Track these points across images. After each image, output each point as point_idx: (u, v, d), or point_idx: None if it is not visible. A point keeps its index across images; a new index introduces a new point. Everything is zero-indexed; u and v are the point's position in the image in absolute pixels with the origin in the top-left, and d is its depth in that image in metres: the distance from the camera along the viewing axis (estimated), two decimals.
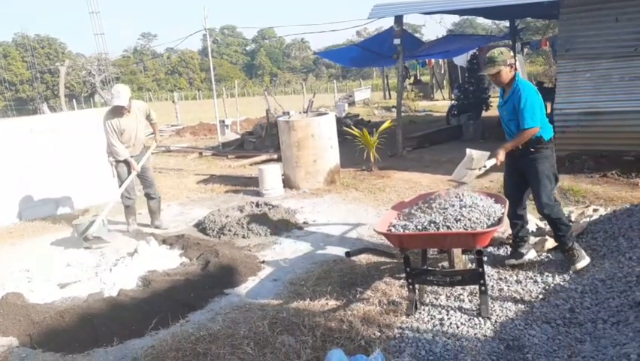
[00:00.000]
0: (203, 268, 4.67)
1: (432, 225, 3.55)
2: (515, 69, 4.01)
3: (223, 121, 15.03)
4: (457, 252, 3.80)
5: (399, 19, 9.78)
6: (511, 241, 4.44)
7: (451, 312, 3.55)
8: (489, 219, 3.54)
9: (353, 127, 9.81)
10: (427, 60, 21.78)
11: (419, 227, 3.58)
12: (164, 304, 4.03)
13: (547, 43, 16.04)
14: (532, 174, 4.00)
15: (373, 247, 4.93)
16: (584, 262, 3.98)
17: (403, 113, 11.35)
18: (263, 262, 4.97)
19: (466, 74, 14.50)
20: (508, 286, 3.90)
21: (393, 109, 16.84)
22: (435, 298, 3.79)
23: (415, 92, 22.83)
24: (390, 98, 25.97)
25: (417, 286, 3.66)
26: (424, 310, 3.62)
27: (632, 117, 7.10)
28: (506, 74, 3.96)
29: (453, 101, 13.71)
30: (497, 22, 21.24)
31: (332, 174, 7.92)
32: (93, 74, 33.53)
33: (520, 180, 4.13)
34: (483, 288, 3.46)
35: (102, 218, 5.77)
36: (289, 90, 47.09)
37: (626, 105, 7.16)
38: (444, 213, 3.66)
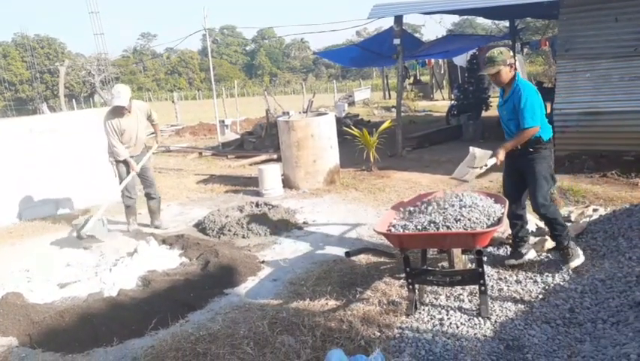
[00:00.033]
0: (203, 268, 4.67)
1: (432, 225, 3.55)
2: (515, 69, 4.02)
3: (223, 121, 15.03)
4: (456, 252, 3.80)
5: (398, 19, 9.78)
6: (510, 241, 4.45)
7: (451, 312, 3.55)
8: (489, 220, 3.54)
9: (353, 127, 9.81)
10: (426, 60, 21.79)
11: (419, 227, 3.58)
12: (163, 304, 4.03)
13: (547, 43, 16.05)
14: (529, 173, 4.01)
15: (373, 247, 4.94)
16: (578, 260, 4.00)
17: (402, 113, 11.34)
18: (263, 262, 4.97)
19: (466, 74, 14.49)
20: (508, 286, 3.90)
21: (393, 109, 16.85)
22: (435, 298, 3.79)
23: (414, 92, 22.82)
24: (389, 98, 25.97)
25: (417, 286, 3.66)
26: (423, 310, 3.62)
27: (632, 117, 7.10)
28: (506, 73, 3.96)
29: (453, 101, 13.70)
30: (497, 22, 21.24)
31: (332, 174, 7.92)
32: (93, 74, 33.49)
33: (519, 180, 4.14)
34: (483, 288, 3.46)
35: (97, 217, 5.75)
36: (289, 90, 47.11)
37: (626, 105, 7.16)
38: (444, 213, 3.66)
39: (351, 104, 23.74)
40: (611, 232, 4.51)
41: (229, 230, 5.84)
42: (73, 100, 39.27)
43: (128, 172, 6.01)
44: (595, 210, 5.28)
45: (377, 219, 4.89)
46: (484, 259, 3.95)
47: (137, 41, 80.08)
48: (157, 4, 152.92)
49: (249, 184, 8.33)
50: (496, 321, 3.39)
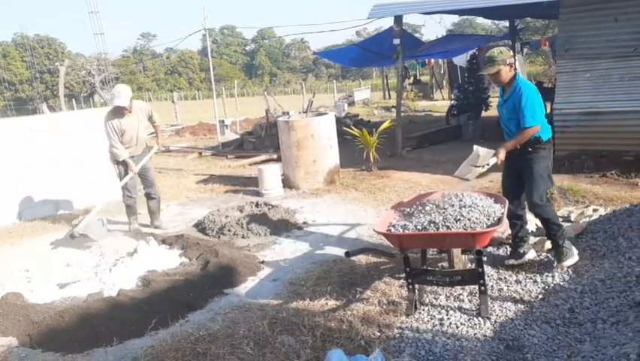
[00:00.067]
0: (203, 268, 4.67)
1: (431, 225, 3.55)
2: (515, 69, 4.02)
3: (223, 121, 15.04)
4: (456, 252, 3.80)
5: (398, 19, 9.78)
6: (510, 241, 4.45)
7: (451, 312, 3.55)
8: (488, 219, 3.54)
9: (353, 127, 9.81)
10: (426, 60, 21.78)
11: (419, 227, 3.58)
12: (163, 304, 4.03)
13: (547, 43, 16.03)
14: (527, 173, 4.02)
15: (373, 247, 4.94)
16: (571, 260, 4.03)
17: (402, 113, 11.34)
18: (262, 262, 4.97)
19: (466, 74, 14.50)
20: (508, 286, 3.90)
21: (393, 109, 16.85)
22: (434, 298, 3.79)
23: (414, 92, 22.81)
24: (389, 98, 25.97)
25: (416, 286, 3.66)
26: (423, 310, 3.62)
27: (632, 117, 7.10)
28: (506, 73, 3.97)
29: (452, 101, 13.71)
30: (497, 22, 21.24)
31: (331, 174, 7.92)
32: (93, 74, 33.50)
33: (518, 180, 4.14)
34: (483, 288, 3.46)
35: (90, 216, 5.73)
36: (289, 90, 47.10)
37: (626, 105, 7.16)
38: (443, 213, 3.66)
39: (351, 104, 23.74)
40: (610, 232, 4.51)
41: (229, 230, 5.84)
42: (73, 100, 39.26)
43: (127, 172, 6.00)
44: (595, 210, 5.29)
45: (377, 219, 4.89)
46: (484, 259, 3.95)
47: (137, 41, 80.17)
48: (157, 4, 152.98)
49: (249, 184, 8.33)
50: (495, 321, 3.39)
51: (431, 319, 3.50)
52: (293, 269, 4.70)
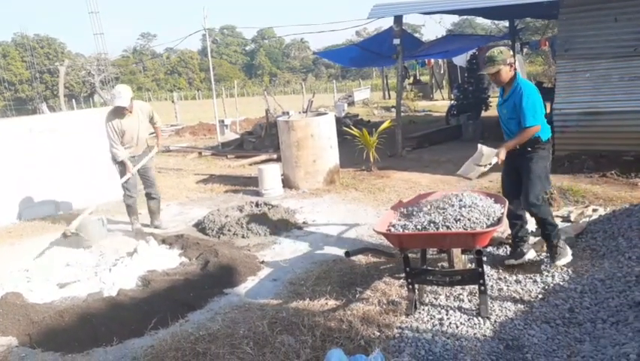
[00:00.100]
0: (203, 268, 4.67)
1: (431, 225, 3.55)
2: (515, 68, 4.02)
3: (222, 121, 15.03)
4: (456, 252, 3.80)
5: (398, 19, 9.78)
6: (510, 240, 4.45)
7: (451, 312, 3.55)
8: (488, 219, 3.54)
9: (352, 127, 9.81)
10: (426, 60, 21.79)
11: (419, 227, 3.58)
12: (163, 303, 4.03)
13: (547, 43, 16.05)
14: (524, 172, 4.04)
15: (373, 246, 4.94)
16: (564, 259, 4.05)
17: (402, 113, 11.34)
18: (262, 261, 4.97)
19: (466, 74, 14.50)
20: (508, 286, 3.90)
21: (393, 109, 16.85)
22: (434, 298, 3.79)
23: (414, 92, 22.82)
24: (389, 98, 25.97)
25: (416, 285, 3.66)
26: (423, 310, 3.62)
27: (632, 117, 7.11)
28: (506, 73, 3.97)
29: (452, 101, 13.71)
30: (497, 22, 21.24)
31: (331, 174, 7.92)
32: (92, 74, 33.47)
33: (518, 180, 4.14)
34: (482, 288, 3.47)
35: (83, 216, 5.70)
36: (289, 90, 47.09)
37: (626, 105, 7.16)
38: (443, 213, 3.66)
39: (351, 104, 23.73)
40: (610, 231, 4.51)
41: (229, 230, 5.84)
42: (73, 100, 39.25)
43: (125, 173, 6.00)
44: (594, 210, 5.29)
45: (377, 219, 4.89)
46: (484, 258, 3.95)
47: (137, 41, 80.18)
48: (157, 4, 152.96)
49: (249, 184, 8.33)
50: (495, 321, 3.39)
51: (431, 319, 3.50)
52: (293, 269, 4.70)
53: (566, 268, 4.00)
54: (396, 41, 9.81)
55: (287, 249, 5.34)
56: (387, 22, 23.47)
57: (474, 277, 3.52)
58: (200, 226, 6.24)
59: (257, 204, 6.58)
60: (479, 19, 35.84)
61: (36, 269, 5.07)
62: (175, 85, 64.96)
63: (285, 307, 3.82)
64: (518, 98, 3.91)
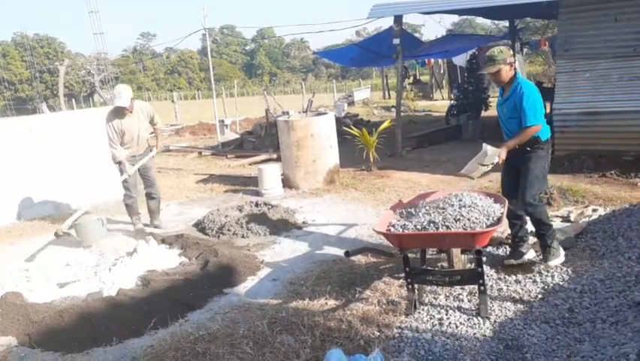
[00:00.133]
0: (203, 268, 4.67)
1: (431, 225, 3.55)
2: (515, 68, 4.03)
3: (222, 121, 15.03)
4: (456, 252, 3.80)
5: (398, 18, 9.78)
6: (510, 240, 4.45)
7: (450, 312, 3.55)
8: (488, 219, 3.54)
9: (352, 127, 9.81)
10: (426, 60, 21.76)
11: (418, 227, 3.58)
12: (163, 303, 4.03)
13: (547, 43, 16.03)
14: (522, 171, 4.04)
15: (372, 246, 4.93)
16: (557, 260, 4.08)
17: (402, 113, 11.34)
18: (262, 261, 4.97)
19: (466, 74, 14.50)
20: (507, 285, 3.90)
21: (393, 109, 16.85)
22: (434, 298, 3.79)
23: (414, 91, 22.82)
24: (389, 97, 25.97)
25: (416, 285, 3.66)
26: (423, 309, 3.62)
27: (632, 117, 7.11)
28: (506, 72, 3.97)
29: (452, 101, 13.71)
30: (497, 22, 21.23)
31: (331, 174, 7.92)
32: (92, 74, 33.51)
33: (517, 180, 4.14)
34: (482, 288, 3.47)
35: (76, 216, 5.70)
36: (288, 90, 47.10)
37: (626, 105, 7.16)
38: (443, 213, 3.66)
39: (351, 103, 23.73)
40: (610, 231, 4.51)
41: (228, 230, 5.84)
42: (73, 100, 39.26)
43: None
44: (594, 210, 5.29)
45: (376, 219, 4.89)
46: (484, 258, 3.95)
47: (137, 41, 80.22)
48: (157, 4, 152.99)
49: (249, 184, 8.33)
50: (495, 321, 3.39)
51: (430, 318, 3.50)
52: (292, 269, 4.70)
53: (565, 268, 4.01)
54: (396, 41, 9.81)
55: (287, 249, 5.34)
56: (387, 22, 23.54)
57: (473, 277, 3.52)
58: (199, 226, 6.24)
59: (257, 204, 6.58)
60: (479, 19, 35.88)
61: (36, 269, 5.07)
62: (175, 85, 64.93)
63: (285, 307, 3.82)
64: (519, 98, 3.91)
